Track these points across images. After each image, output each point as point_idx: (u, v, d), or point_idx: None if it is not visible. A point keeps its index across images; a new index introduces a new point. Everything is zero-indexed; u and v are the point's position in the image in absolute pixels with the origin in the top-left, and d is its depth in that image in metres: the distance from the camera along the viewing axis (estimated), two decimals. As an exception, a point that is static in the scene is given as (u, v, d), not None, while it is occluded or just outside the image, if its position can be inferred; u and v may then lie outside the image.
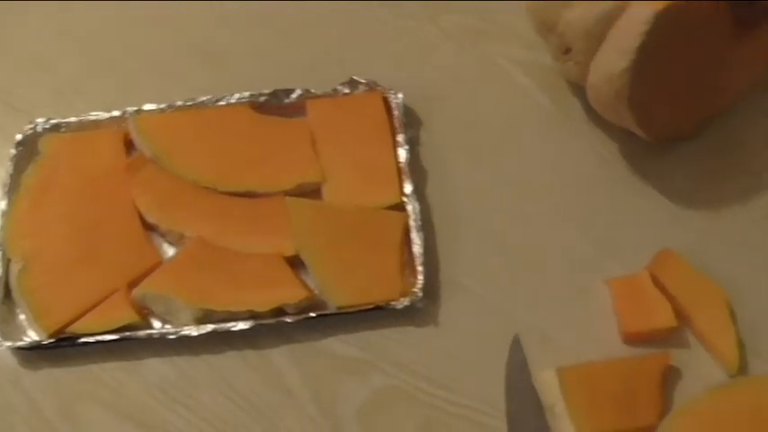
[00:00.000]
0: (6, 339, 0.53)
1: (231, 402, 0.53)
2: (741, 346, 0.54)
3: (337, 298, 0.53)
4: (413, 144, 0.60)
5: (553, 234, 0.58)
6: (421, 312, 0.55)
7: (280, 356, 0.54)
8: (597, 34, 0.52)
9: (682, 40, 0.51)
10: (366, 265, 0.54)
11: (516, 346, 0.53)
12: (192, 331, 0.53)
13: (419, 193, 0.58)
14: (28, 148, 0.60)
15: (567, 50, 0.56)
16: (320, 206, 0.56)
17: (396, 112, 0.59)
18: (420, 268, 0.54)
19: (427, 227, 0.57)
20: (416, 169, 0.59)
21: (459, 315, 0.55)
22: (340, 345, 0.54)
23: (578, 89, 0.62)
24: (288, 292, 0.53)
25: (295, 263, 0.55)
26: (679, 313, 0.54)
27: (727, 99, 0.60)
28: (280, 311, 0.53)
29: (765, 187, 0.60)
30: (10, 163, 0.60)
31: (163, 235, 0.57)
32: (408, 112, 0.61)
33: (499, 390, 0.52)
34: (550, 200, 0.59)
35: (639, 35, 0.49)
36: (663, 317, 0.53)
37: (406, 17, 0.66)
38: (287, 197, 0.56)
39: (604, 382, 0.51)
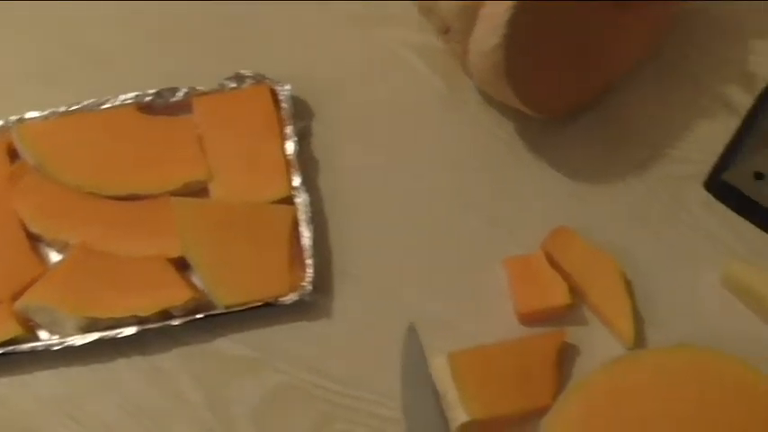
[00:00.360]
0: None
1: (122, 411, 0.52)
2: (638, 318, 0.54)
3: (224, 297, 0.52)
4: (304, 136, 0.59)
5: (450, 218, 0.57)
6: (312, 306, 0.53)
7: (170, 361, 0.52)
8: (471, 12, 0.51)
9: (556, 14, 0.50)
10: (253, 261, 0.53)
11: (412, 334, 0.52)
12: (77, 341, 0.51)
13: (310, 184, 0.57)
14: None
15: (447, 30, 0.55)
16: (206, 204, 0.55)
17: (284, 105, 0.58)
18: (309, 261, 0.53)
19: (319, 218, 0.56)
20: (308, 161, 0.58)
21: (354, 306, 0.54)
22: (231, 345, 0.53)
23: (471, 70, 0.61)
24: (172, 294, 0.51)
25: (183, 264, 0.54)
26: (575, 290, 0.54)
27: (617, 71, 0.59)
28: (167, 315, 0.52)
29: (660, 158, 0.59)
30: None
31: (49, 244, 0.55)
32: (299, 104, 0.60)
33: (396, 380, 0.51)
34: (446, 184, 0.58)
35: (508, 9, 0.48)
36: (557, 295, 0.52)
37: (295, 6, 0.64)
38: (171, 197, 0.55)
39: (497, 365, 0.50)
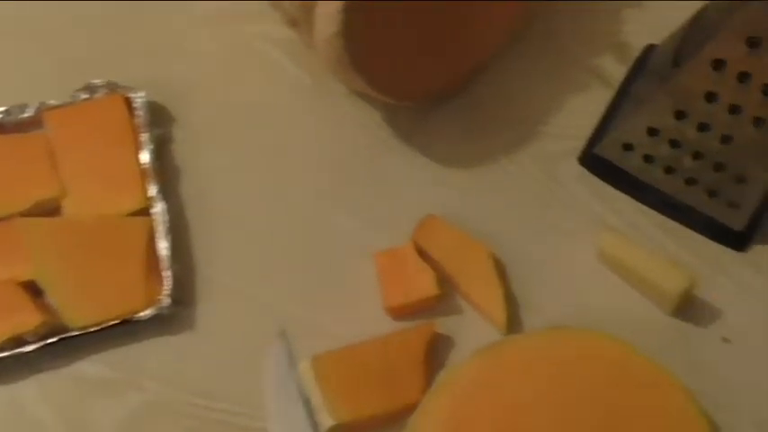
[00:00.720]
0: None
1: (-20, 446, 0.50)
2: (514, 303, 0.52)
3: (77, 318, 0.49)
4: (163, 142, 0.57)
5: (318, 216, 0.55)
6: (173, 319, 0.51)
7: (26, 388, 0.50)
8: (311, 2, 0.49)
9: (389, 7, 0.48)
10: (108, 278, 0.50)
11: (281, 340, 0.50)
12: (-76, 377, 0.49)
13: (170, 192, 0.55)
14: None
15: (295, 23, 0.53)
16: (56, 223, 0.52)
17: (139, 113, 0.56)
18: (167, 273, 0.51)
19: (180, 227, 0.54)
20: (168, 168, 0.56)
21: (219, 316, 0.52)
22: (90, 366, 0.50)
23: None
24: (22, 320, 0.49)
25: (37, 288, 0.51)
26: (447, 279, 0.52)
27: (484, 52, 0.58)
28: (20, 341, 0.50)
29: (534, 136, 0.58)
30: None
31: None
32: (157, 110, 0.58)
33: (266, 390, 0.50)
34: (314, 181, 0.56)
35: (341, -5, 0.46)
36: (424, 286, 0.51)
37: (147, 8, 0.62)
38: (20, 218, 0.52)
39: (362, 365, 0.48)
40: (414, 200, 0.55)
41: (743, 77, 0.45)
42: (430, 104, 0.58)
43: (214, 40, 0.61)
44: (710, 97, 0.47)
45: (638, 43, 0.60)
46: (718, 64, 0.45)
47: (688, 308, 0.52)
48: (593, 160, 0.56)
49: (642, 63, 0.59)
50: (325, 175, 0.57)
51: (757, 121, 0.46)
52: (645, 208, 0.55)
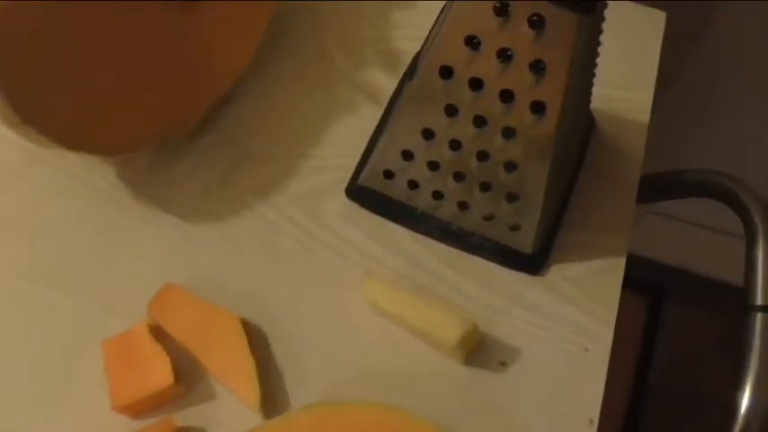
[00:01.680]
0: None
1: None
2: (275, 376, 0.44)
3: None
4: None
5: (34, 300, 0.45)
6: None
7: None
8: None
9: (66, 36, 0.40)
10: None
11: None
12: None
13: None
14: None
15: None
16: None
17: None
18: None
19: None
20: None
21: None
22: None
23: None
24: None
25: None
26: (193, 360, 0.44)
27: (221, 80, 0.50)
28: None
29: (293, 172, 0.50)
30: None
31: None
32: None
33: None
34: (30, 259, 0.46)
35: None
36: (158, 376, 0.42)
37: None
38: None
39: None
40: (153, 268, 0.46)
41: (476, 84, 0.38)
42: (167, 150, 0.50)
43: None
44: (451, 110, 0.40)
45: (410, 51, 0.54)
46: (446, 72, 0.38)
47: (480, 349, 0.45)
48: (360, 192, 0.48)
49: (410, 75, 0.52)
50: (44, 250, 0.47)
51: (507, 132, 0.40)
52: (423, 238, 0.48)
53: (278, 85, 0.53)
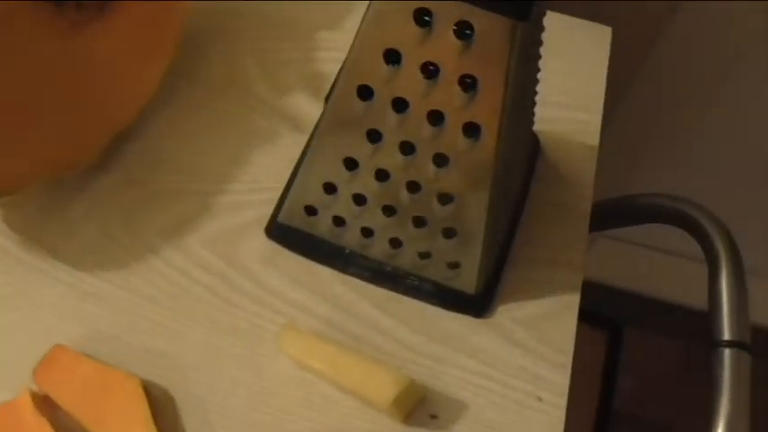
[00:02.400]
0: None
1: None
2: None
3: None
4: None
5: None
6: None
7: None
8: None
9: None
10: None
11: None
12: None
13: None
14: None
15: None
16: None
17: None
18: None
19: None
20: None
21: None
22: None
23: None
24: None
25: None
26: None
27: (121, 111, 0.44)
28: None
29: (203, 212, 0.44)
30: None
31: None
32: None
33: None
34: None
35: None
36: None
37: None
38: None
39: None
40: (41, 326, 0.40)
41: (400, 105, 0.33)
42: (62, 190, 0.44)
43: None
44: (374, 136, 0.35)
45: (330, 71, 0.49)
46: (366, 92, 0.33)
47: (422, 405, 0.39)
48: (281, 231, 0.43)
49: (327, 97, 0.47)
50: None
51: (439, 159, 0.35)
52: (354, 281, 0.43)
53: (188, 114, 0.47)
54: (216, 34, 0.50)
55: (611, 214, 0.54)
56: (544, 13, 0.33)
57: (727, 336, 0.44)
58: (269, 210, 0.44)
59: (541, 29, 0.34)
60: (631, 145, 0.86)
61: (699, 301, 0.48)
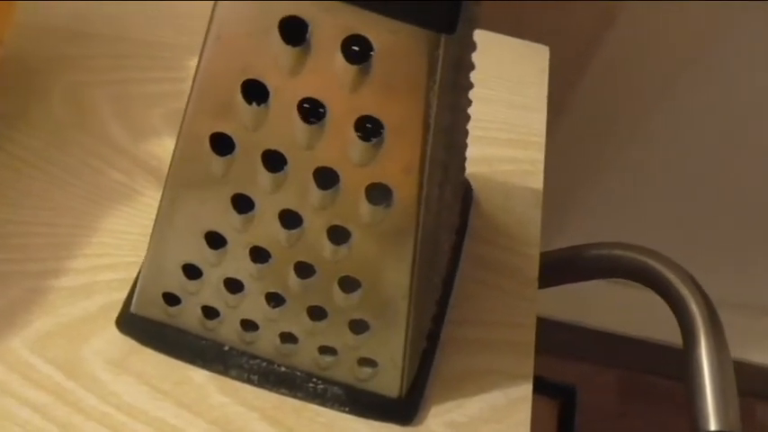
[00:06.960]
0: None
1: None
2: None
3: None
4: None
5: None
6: None
7: None
8: None
9: None
10: None
11: None
12: None
13: None
14: None
15: None
16: None
17: None
18: None
19: None
20: None
21: None
22: None
23: None
24: None
25: None
26: None
27: None
28: None
29: (37, 295, 0.33)
30: None
31: None
32: None
33: None
34: None
35: None
36: None
37: None
38: None
39: None
40: None
41: (276, 161, 0.23)
42: None
43: None
44: (243, 203, 0.25)
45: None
46: (223, 142, 0.23)
47: None
48: (136, 324, 0.32)
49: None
50: None
51: (336, 234, 0.25)
52: (238, 387, 0.33)
53: (17, 169, 0.36)
54: (53, 63, 0.39)
55: (556, 269, 0.45)
56: (476, 23, 0.24)
57: (713, 426, 0.35)
58: (122, 294, 0.34)
59: (472, 46, 0.25)
60: (561, 184, 0.78)
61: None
